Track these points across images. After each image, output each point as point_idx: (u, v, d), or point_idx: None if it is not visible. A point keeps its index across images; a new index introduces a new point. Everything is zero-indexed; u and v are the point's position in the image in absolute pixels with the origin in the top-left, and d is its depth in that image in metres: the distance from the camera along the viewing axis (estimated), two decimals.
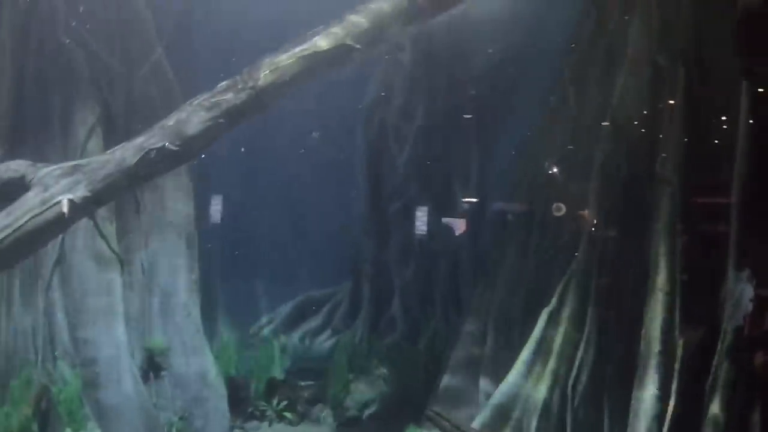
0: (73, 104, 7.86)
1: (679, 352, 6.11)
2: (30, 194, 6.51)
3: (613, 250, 7.09)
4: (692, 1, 6.61)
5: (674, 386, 6.05)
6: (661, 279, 6.32)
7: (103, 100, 8.04)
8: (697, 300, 6.17)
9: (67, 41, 7.64)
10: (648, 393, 6.16)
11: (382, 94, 9.66)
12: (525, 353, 7.39)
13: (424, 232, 9.61)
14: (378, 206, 9.69)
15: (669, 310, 6.23)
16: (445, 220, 9.62)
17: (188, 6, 8.80)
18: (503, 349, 8.12)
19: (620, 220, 7.09)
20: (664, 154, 6.66)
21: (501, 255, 8.41)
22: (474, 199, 9.44)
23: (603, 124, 7.24)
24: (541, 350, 7.34)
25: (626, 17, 7.31)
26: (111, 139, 8.06)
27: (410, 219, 9.67)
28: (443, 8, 7.04)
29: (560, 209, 7.98)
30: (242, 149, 9.15)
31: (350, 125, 9.76)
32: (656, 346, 6.20)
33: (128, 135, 8.17)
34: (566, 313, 7.26)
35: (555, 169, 7.96)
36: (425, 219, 9.63)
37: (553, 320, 7.34)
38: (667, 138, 6.72)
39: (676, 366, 6.08)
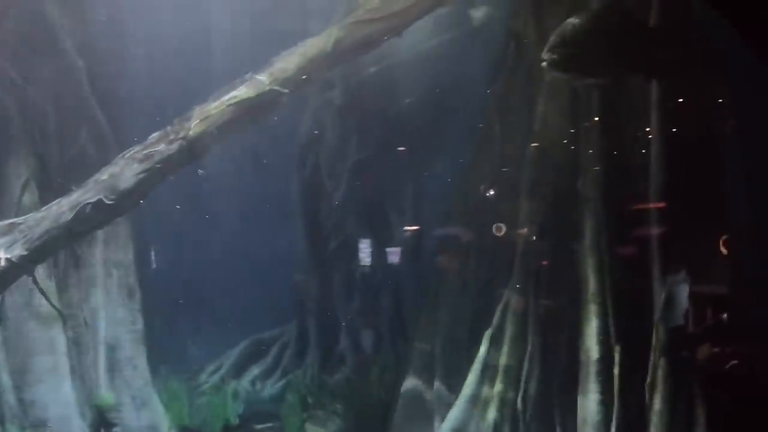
0: (6, 157, 7.84)
1: (617, 356, 6.48)
2: None
3: (547, 268, 7.45)
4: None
5: (616, 389, 6.41)
6: (592, 290, 6.70)
7: (37, 153, 8.04)
8: (629, 306, 6.57)
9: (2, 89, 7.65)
10: (592, 399, 6.48)
11: (315, 132, 9.92)
12: (471, 377, 7.64)
13: (366, 266, 9.82)
14: (317, 243, 9.87)
15: (603, 318, 6.60)
16: (384, 252, 9.86)
17: (121, 54, 8.88)
18: (453, 374, 8.33)
19: (551, 239, 7.47)
20: (584, 172, 7.11)
21: (441, 282, 8.68)
22: (411, 229, 9.72)
23: (530, 147, 7.64)
24: (487, 372, 7.61)
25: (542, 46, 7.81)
26: (46, 193, 8.09)
27: (350, 254, 9.88)
28: (367, 49, 7.38)
29: (501, 229, 8.33)
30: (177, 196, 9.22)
31: (286, 165, 9.97)
32: (594, 354, 6.55)
33: (63, 188, 8.27)
34: (508, 333, 7.55)
35: (487, 195, 8.31)
36: (365, 253, 9.86)
37: (495, 342, 7.63)
38: (586, 156, 7.17)
39: (615, 370, 6.44)
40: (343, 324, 9.73)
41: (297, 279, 9.90)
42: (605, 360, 6.51)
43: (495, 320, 7.61)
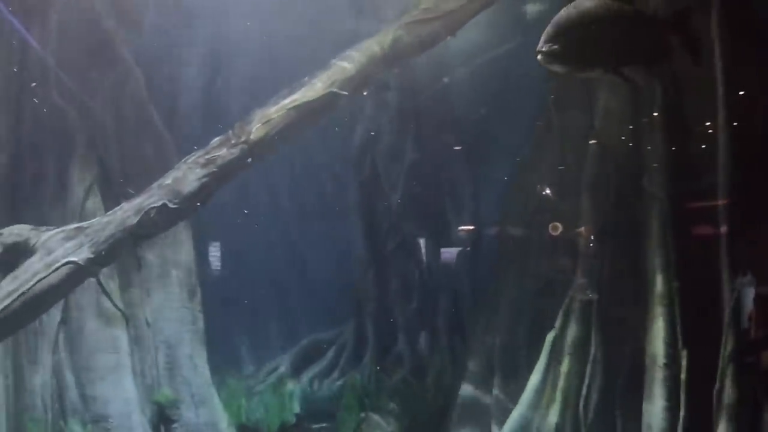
0: (69, 164, 7.99)
1: (684, 361, 6.17)
2: (34, 258, 6.64)
3: (610, 269, 7.18)
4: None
5: (682, 396, 6.10)
6: (658, 291, 6.41)
7: (98, 159, 8.17)
8: (697, 308, 6.25)
9: (61, 100, 7.80)
10: (657, 405, 6.20)
11: (372, 133, 9.83)
12: (533, 380, 7.43)
13: (423, 267, 9.68)
14: (375, 245, 9.78)
15: (670, 321, 6.31)
16: (443, 252, 9.70)
17: (178, 61, 8.98)
18: (511, 378, 8.13)
19: (614, 238, 7.19)
20: (649, 169, 6.82)
21: (501, 283, 8.47)
22: (470, 229, 9.53)
23: (589, 143, 7.38)
24: (549, 375, 7.38)
25: None
26: (108, 198, 8.23)
27: (408, 255, 9.76)
28: (425, 48, 7.26)
29: (557, 228, 8.10)
30: (239, 199, 9.26)
31: (342, 165, 9.92)
32: (661, 359, 6.26)
33: (125, 193, 8.39)
34: (570, 335, 7.31)
35: (546, 193, 8.07)
36: (423, 253, 9.72)
37: (557, 344, 7.40)
38: (651, 152, 6.88)
39: (682, 376, 6.13)
40: (401, 325, 9.61)
41: (355, 279, 9.84)
42: (672, 365, 6.22)
43: (557, 322, 7.37)
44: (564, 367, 7.22)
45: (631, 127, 7.19)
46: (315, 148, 9.68)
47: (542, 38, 5.50)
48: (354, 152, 9.79)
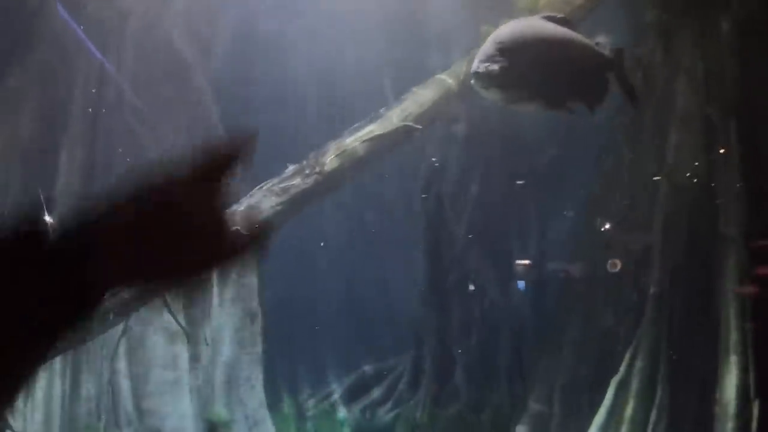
0: None
1: (755, 411, 5.68)
2: None
3: (681, 313, 6.74)
4: (735, 51, 6.46)
5: None
6: (733, 339, 5.94)
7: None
8: None
9: (135, 124, 7.95)
10: None
11: (436, 164, 9.67)
12: (596, 422, 7.01)
13: (486, 302, 9.37)
14: (438, 276, 9.54)
15: (743, 369, 5.83)
16: (506, 287, 9.37)
17: (249, 87, 9.07)
18: (571, 420, 7.71)
19: (686, 281, 6.77)
20: (724, 209, 6.40)
21: (565, 322, 8.10)
22: (535, 266, 9.19)
23: (663, 180, 7.01)
24: (612, 420, 6.95)
25: (671, 74, 7.20)
26: None
27: (471, 288, 9.46)
28: None
29: (615, 265, 7.74)
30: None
31: (407, 197, 9.76)
32: (732, 408, 5.78)
33: None
34: (636, 380, 6.89)
35: (616, 230, 7.70)
36: (486, 288, 9.41)
37: (622, 389, 6.97)
38: (727, 192, 6.46)
39: (753, 426, 5.63)
40: (460, 359, 9.29)
41: (415, 310, 9.60)
42: (744, 415, 5.72)
43: (623, 366, 6.95)
44: (628, 411, 6.78)
45: (705, 163, 6.79)
46: (382, 177, 9.58)
47: (478, 57, 4.67)
48: (420, 183, 9.63)
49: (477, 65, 4.66)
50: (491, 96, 4.80)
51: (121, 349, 7.65)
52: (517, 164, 9.17)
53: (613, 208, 7.82)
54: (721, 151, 6.41)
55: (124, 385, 7.57)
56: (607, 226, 7.85)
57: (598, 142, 8.24)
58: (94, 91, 7.61)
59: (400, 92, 7.56)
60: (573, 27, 5.43)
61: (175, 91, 8.20)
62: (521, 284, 9.25)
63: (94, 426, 7.30)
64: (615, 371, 7.19)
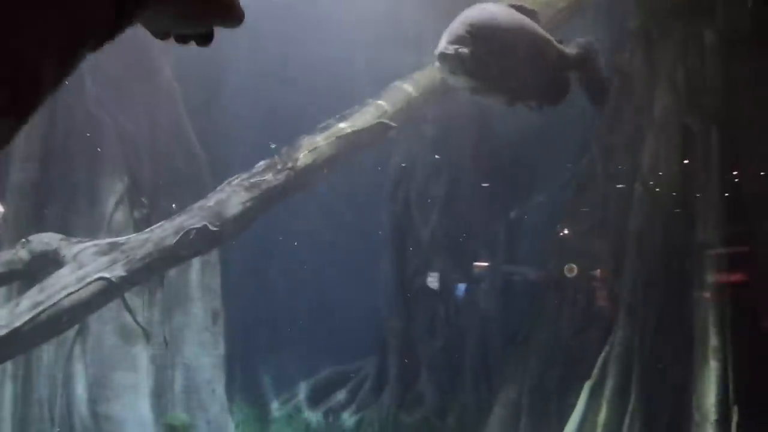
0: (100, 175, 7.66)
1: (735, 418, 5.68)
2: (64, 271, 6.30)
3: (654, 318, 6.72)
4: (718, 60, 6.48)
5: None
6: (713, 345, 5.93)
7: (130, 172, 7.84)
8: (751, 363, 5.78)
9: (96, 112, 7.50)
10: None
11: (403, 165, 9.48)
12: (569, 429, 6.91)
13: (452, 305, 9.22)
14: (403, 278, 9.35)
15: (723, 376, 5.82)
16: (473, 291, 9.24)
17: (217, 79, 8.70)
18: (540, 425, 7.62)
19: (659, 287, 6.75)
20: (702, 216, 6.41)
21: (533, 326, 8.01)
22: (503, 270, 9.09)
23: (638, 188, 6.99)
24: (585, 425, 6.87)
25: (651, 81, 7.20)
26: (137, 212, 7.88)
27: (436, 291, 9.31)
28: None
29: (572, 270, 7.72)
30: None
31: (374, 198, 9.54)
32: (712, 415, 5.76)
33: (154, 208, 8.02)
34: (609, 385, 6.82)
35: (587, 237, 7.66)
36: (452, 290, 9.27)
37: (595, 394, 6.91)
38: (704, 197, 6.47)
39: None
40: (425, 362, 9.12)
41: (381, 312, 9.39)
42: (723, 422, 5.71)
43: (595, 370, 6.88)
44: (601, 417, 6.72)
45: (680, 174, 6.79)
46: (348, 177, 9.33)
47: (446, 37, 4.25)
48: (387, 184, 9.43)
49: (445, 46, 4.24)
50: (458, 82, 4.48)
51: (77, 350, 7.19)
52: (486, 167, 9.07)
53: (585, 214, 7.77)
54: (699, 158, 6.39)
55: (80, 388, 7.11)
56: (579, 231, 7.80)
57: (572, 145, 8.21)
58: None
59: (376, 89, 7.36)
60: (539, 22, 5.22)
61: (139, 80, 7.78)
62: (487, 287, 9.12)
63: None
64: (584, 376, 7.14)
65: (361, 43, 8.62)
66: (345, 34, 8.37)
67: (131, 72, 7.68)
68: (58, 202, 7.37)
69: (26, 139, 6.98)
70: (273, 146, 6.76)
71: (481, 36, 4.29)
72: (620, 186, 7.43)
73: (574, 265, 7.77)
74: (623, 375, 6.77)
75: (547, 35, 4.95)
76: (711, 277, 6.09)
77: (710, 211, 6.29)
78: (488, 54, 4.34)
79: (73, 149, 7.51)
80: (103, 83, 7.51)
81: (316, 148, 6.67)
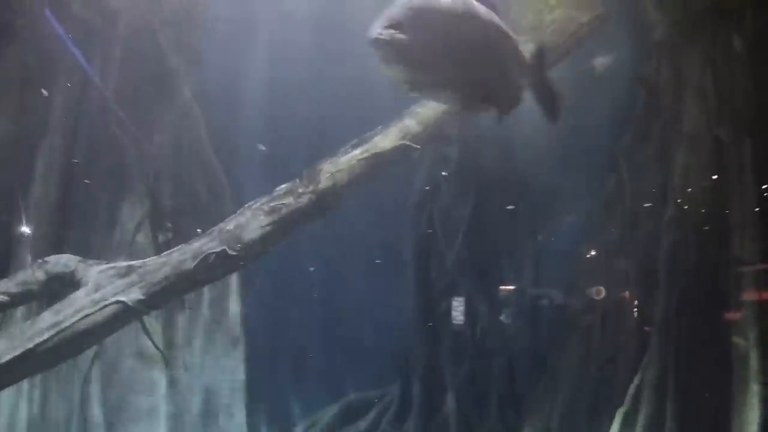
0: (121, 198, 7.51)
1: None
2: (80, 293, 6.06)
3: (689, 341, 6.27)
4: (748, 69, 6.11)
5: None
6: (753, 369, 5.46)
7: (151, 195, 7.69)
8: None
9: (118, 133, 7.37)
10: None
11: (427, 188, 9.19)
12: None
13: (478, 330, 8.82)
14: (428, 303, 9.00)
15: (766, 401, 5.33)
16: (499, 315, 8.83)
17: (238, 102, 8.57)
18: None
19: (693, 308, 6.31)
20: (737, 232, 5.98)
21: (562, 352, 7.60)
22: (530, 293, 8.68)
23: (669, 205, 6.59)
24: None
25: (679, 93, 6.84)
26: (161, 236, 7.70)
27: (461, 315, 8.91)
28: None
29: (600, 293, 7.30)
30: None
31: (397, 222, 9.24)
32: None
33: (177, 233, 7.82)
34: (643, 412, 6.37)
35: (616, 258, 7.25)
36: (478, 314, 8.86)
37: (628, 421, 6.45)
38: (740, 216, 6.05)
39: None
40: (450, 389, 8.69)
41: (405, 339, 9.01)
42: None
43: (628, 397, 6.43)
44: None
45: (712, 188, 6.39)
46: (371, 200, 9.07)
47: (382, 20, 3.56)
48: (411, 207, 9.14)
49: (379, 30, 3.51)
50: (392, 73, 3.69)
51: (94, 373, 6.95)
52: (510, 188, 8.73)
53: (613, 234, 7.38)
54: (732, 171, 6.00)
55: (96, 411, 6.85)
56: (608, 251, 7.40)
57: (598, 163, 7.84)
58: (75, 96, 7.03)
59: (400, 109, 7.11)
60: (500, 15, 4.47)
61: (161, 100, 7.66)
62: (514, 312, 8.71)
63: None
64: (616, 403, 6.69)
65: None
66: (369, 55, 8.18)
67: (153, 94, 7.57)
68: (79, 224, 7.22)
69: (48, 158, 6.88)
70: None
71: (422, 22, 3.61)
72: (650, 204, 7.04)
73: (602, 288, 7.38)
74: (657, 401, 6.32)
75: (509, 32, 4.18)
76: (749, 295, 5.64)
77: (745, 226, 5.88)
78: (430, 43, 3.63)
79: (95, 171, 7.39)
80: (125, 105, 7.41)
81: (339, 170, 6.38)
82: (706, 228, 6.33)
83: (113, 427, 6.88)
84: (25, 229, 6.60)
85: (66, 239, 6.87)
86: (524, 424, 7.67)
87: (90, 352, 6.89)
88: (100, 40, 7.16)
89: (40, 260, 6.44)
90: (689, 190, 6.54)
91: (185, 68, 7.81)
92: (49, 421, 6.63)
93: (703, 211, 6.38)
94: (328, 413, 9.10)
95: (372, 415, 9.06)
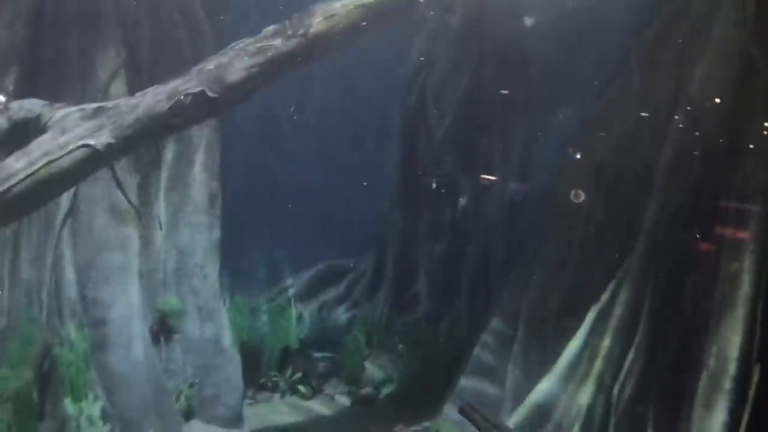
0: (94, 44, 6.79)
1: (755, 376, 5.27)
2: (46, 137, 5.55)
3: (678, 254, 6.19)
4: None
5: (747, 412, 5.23)
6: (743, 295, 5.42)
7: (127, 42, 6.93)
8: None
9: None
10: (718, 418, 5.31)
11: (422, 59, 8.58)
12: (569, 352, 6.54)
13: (458, 210, 8.61)
14: (411, 177, 8.70)
15: (750, 328, 5.36)
16: (482, 198, 8.59)
17: None
18: (536, 344, 7.24)
19: (689, 223, 6.16)
20: (750, 155, 5.73)
21: (540, 243, 7.48)
22: (516, 180, 8.42)
23: (679, 111, 6.24)
24: (586, 351, 6.50)
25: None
26: (135, 85, 7.02)
27: (444, 194, 8.67)
28: None
29: (579, 196, 7.11)
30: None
31: (390, 89, 8.67)
32: (732, 368, 5.33)
33: (153, 80, 7.16)
34: (617, 313, 6.39)
35: (615, 157, 6.96)
36: (460, 195, 8.62)
37: (601, 320, 6.48)
38: (754, 135, 5.77)
39: (751, 392, 5.24)
40: (423, 266, 8.63)
41: (382, 210, 8.77)
42: (742, 378, 5.29)
43: (605, 296, 6.42)
44: (605, 345, 6.33)
45: (730, 105, 6.02)
46: (359, 63, 8.42)
47: None
48: (403, 75, 8.55)
49: None
50: None
51: (66, 231, 6.56)
52: (512, 67, 8.18)
53: (615, 132, 7.04)
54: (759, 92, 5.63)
55: (69, 271, 6.54)
56: (607, 149, 7.09)
57: (610, 56, 7.33)
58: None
59: None
60: None
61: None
62: (499, 196, 8.48)
63: (33, 318, 6.29)
64: (589, 301, 6.70)
65: None
66: None
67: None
68: (48, 73, 6.49)
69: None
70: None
71: None
72: (656, 109, 6.67)
73: (582, 192, 7.15)
74: (634, 305, 6.32)
75: None
76: (755, 220, 5.49)
77: (762, 149, 5.61)
78: None
79: (66, 15, 6.57)
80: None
81: (332, 15, 5.73)
82: (715, 145, 6.04)
83: (85, 287, 6.60)
84: None
85: (34, 89, 6.17)
86: (493, 310, 7.68)
87: (62, 211, 6.48)
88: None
89: (1, 106, 5.85)
90: (704, 101, 6.17)
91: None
92: (21, 284, 6.31)
93: (716, 127, 6.06)
94: (301, 278, 9.03)
95: (343, 285, 9.02)
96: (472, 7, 8.11)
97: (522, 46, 8.11)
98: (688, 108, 6.26)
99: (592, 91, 7.49)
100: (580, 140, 7.44)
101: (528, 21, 8.03)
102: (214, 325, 7.55)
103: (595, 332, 6.52)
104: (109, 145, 5.45)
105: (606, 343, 6.40)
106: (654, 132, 6.61)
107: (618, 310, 6.41)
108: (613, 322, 6.42)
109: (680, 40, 6.51)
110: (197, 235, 7.63)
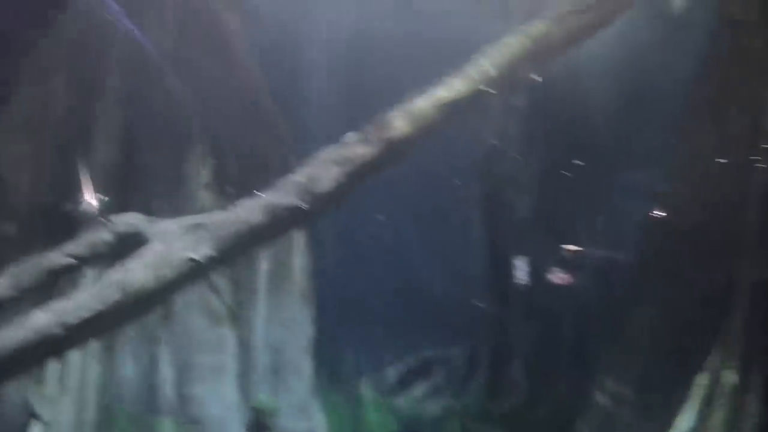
0: (184, 159, 7.30)
1: None
2: (149, 250, 5.84)
3: None
4: None
5: None
6: None
7: (214, 154, 7.45)
8: None
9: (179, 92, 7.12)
10: None
11: (494, 143, 8.62)
12: (681, 426, 5.94)
13: (549, 289, 8.31)
14: (498, 262, 8.53)
15: None
16: (573, 275, 8.28)
17: (298, 55, 8.19)
18: (644, 420, 6.65)
19: None
20: None
21: (638, 312, 7.02)
22: (604, 251, 8.07)
23: (759, 153, 5.86)
24: (700, 424, 5.89)
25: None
26: (221, 194, 7.48)
27: (531, 274, 8.42)
28: (575, 42, 6.05)
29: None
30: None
31: (465, 177, 8.73)
32: None
33: (238, 189, 7.58)
34: (727, 378, 5.79)
35: (700, 212, 6.57)
36: (548, 274, 8.34)
37: (709, 389, 5.89)
38: None
39: None
40: (519, 351, 8.28)
41: (472, 298, 8.60)
42: None
43: (711, 362, 5.86)
44: (719, 416, 5.70)
45: None
46: (438, 152, 8.56)
47: None
48: (479, 160, 8.62)
49: None
50: None
51: (163, 332, 6.87)
52: (583, 140, 8.06)
53: (695, 187, 6.68)
54: None
55: (165, 370, 6.79)
56: (691, 206, 6.71)
57: (674, 112, 7.09)
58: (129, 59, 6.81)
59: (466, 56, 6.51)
60: None
61: (218, 61, 7.36)
62: (590, 271, 8.13)
63: (132, 414, 6.53)
64: (697, 368, 6.14)
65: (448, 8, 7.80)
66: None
67: (207, 54, 7.27)
68: (141, 186, 7.07)
69: (107, 120, 6.71)
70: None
71: None
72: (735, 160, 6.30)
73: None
74: (743, 368, 5.72)
75: None
76: None
77: None
78: None
79: (156, 133, 7.19)
80: (181, 65, 7.14)
81: (413, 116, 5.84)
82: None
83: (182, 385, 6.81)
84: (89, 194, 6.47)
85: (130, 203, 6.71)
86: (597, 387, 7.16)
87: (158, 311, 6.82)
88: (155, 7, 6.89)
89: (105, 220, 6.28)
90: None
91: (237, 26, 7.47)
92: (117, 380, 6.61)
93: None
94: (395, 371, 8.88)
95: (438, 375, 8.78)
96: (537, 87, 8.16)
97: (589, 114, 8.02)
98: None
99: (668, 147, 7.22)
100: (660, 196, 7.11)
101: (591, 89, 7.96)
102: (309, 422, 7.51)
103: (705, 402, 5.93)
104: (209, 257, 5.68)
105: (720, 413, 5.80)
106: (738, 178, 6.22)
107: (725, 376, 5.83)
108: (722, 389, 5.83)
109: (743, 84, 6.24)
110: (290, 334, 7.77)
